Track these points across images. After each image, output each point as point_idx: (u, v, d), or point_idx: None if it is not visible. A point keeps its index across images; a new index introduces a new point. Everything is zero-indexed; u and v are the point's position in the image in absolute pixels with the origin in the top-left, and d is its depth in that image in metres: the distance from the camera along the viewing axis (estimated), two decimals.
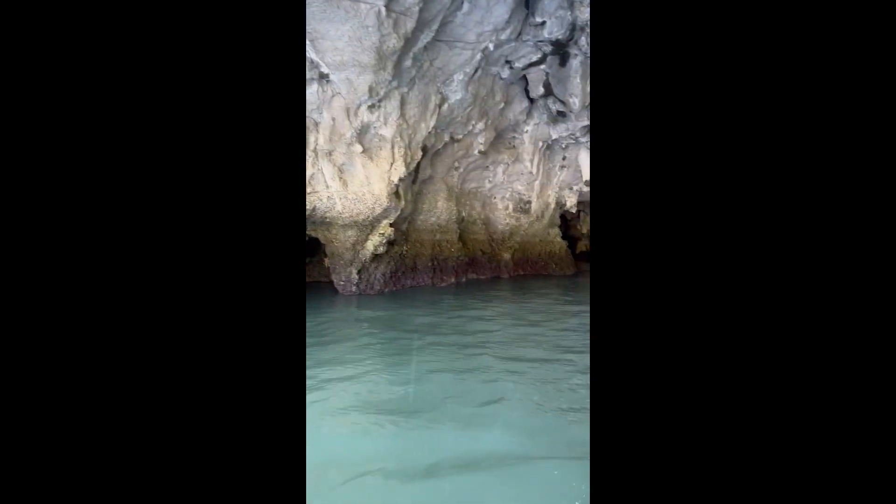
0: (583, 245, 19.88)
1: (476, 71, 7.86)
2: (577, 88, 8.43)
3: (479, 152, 9.51)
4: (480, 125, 8.94)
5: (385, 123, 6.95)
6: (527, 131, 10.41)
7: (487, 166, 10.69)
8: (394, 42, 5.82)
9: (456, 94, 7.89)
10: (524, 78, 9.03)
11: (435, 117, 7.74)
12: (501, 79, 8.69)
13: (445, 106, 7.95)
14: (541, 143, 10.78)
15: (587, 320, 6.03)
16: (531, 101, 9.78)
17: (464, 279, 10.64)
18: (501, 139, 10.46)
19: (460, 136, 8.94)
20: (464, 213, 11.02)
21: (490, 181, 11.14)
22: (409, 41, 6.20)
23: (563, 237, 18.93)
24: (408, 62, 6.54)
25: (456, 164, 9.78)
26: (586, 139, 10.75)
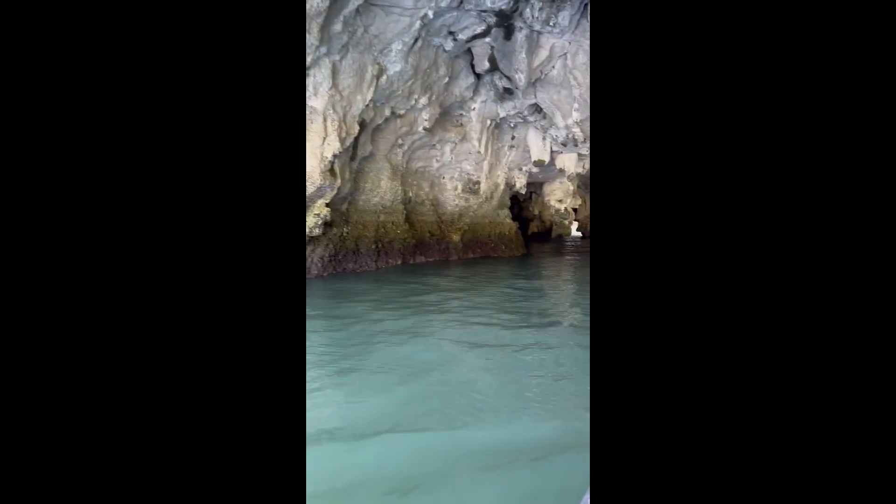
0: (535, 226, 20.09)
1: (416, 41, 7.40)
2: (522, 64, 8.17)
3: (425, 129, 9.10)
4: (424, 100, 8.51)
5: (315, 94, 6.39)
6: (474, 109, 10.09)
7: (434, 144, 10.31)
8: (318, 1, 5.26)
9: (395, 64, 7.40)
10: (469, 52, 8.65)
11: (372, 89, 7.24)
12: (445, 51, 8.27)
13: (384, 77, 7.45)
14: (489, 122, 10.51)
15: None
16: (478, 76, 9.45)
17: (411, 262, 10.33)
18: (448, 116, 10.09)
19: (403, 112, 8.48)
20: (410, 194, 10.63)
21: (438, 160, 10.78)
22: (336, 2, 5.65)
23: (516, 219, 19.09)
24: (337, 26, 5.99)
25: (400, 142, 9.32)
26: (534, 118, 10.60)
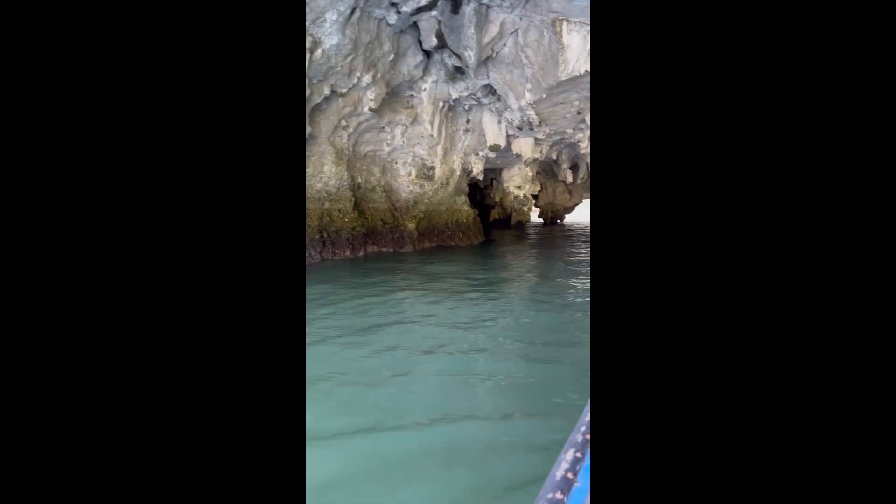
0: (496, 213, 19.85)
1: (353, 11, 6.77)
2: (471, 40, 7.70)
3: (371, 110, 8.51)
4: (368, 78, 7.91)
5: None
6: (425, 89, 9.56)
7: (384, 127, 9.72)
8: None
9: (331, 37, 6.76)
10: (416, 26, 8.09)
11: (306, 64, 6.59)
12: (389, 25, 7.67)
13: (319, 51, 6.81)
14: (441, 104, 10.02)
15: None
16: (427, 54, 8.90)
17: (362, 253, 9.79)
18: (398, 97, 9.52)
19: (345, 90, 7.86)
20: (360, 179, 10.03)
21: (389, 144, 10.21)
22: None
23: (478, 206, 18.79)
24: None
25: (344, 123, 8.69)
26: (489, 100, 10.19)
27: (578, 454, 0.77)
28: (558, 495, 0.69)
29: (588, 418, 0.86)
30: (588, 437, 0.81)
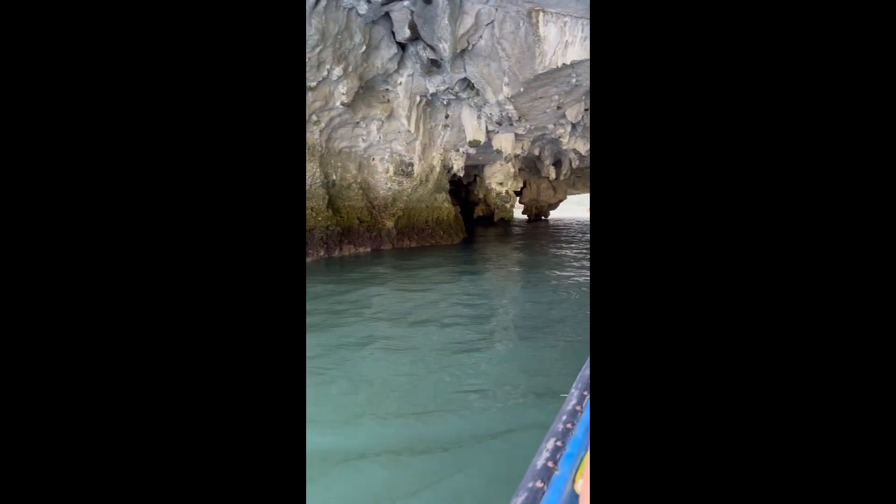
0: (480, 210, 19.62)
1: (319, 0, 6.45)
2: (445, 32, 7.42)
3: (343, 104, 8.18)
4: (338, 70, 7.59)
5: None
6: (400, 83, 9.26)
7: (359, 122, 9.40)
8: None
9: None
10: (389, 17, 7.79)
11: None
12: (359, 15, 7.36)
13: None
14: (418, 98, 9.73)
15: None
16: (402, 47, 8.61)
17: (337, 253, 9.48)
18: (373, 91, 9.20)
19: (314, 83, 7.52)
20: (334, 176, 9.70)
21: (364, 140, 9.89)
22: None
23: (462, 203, 18.53)
24: None
25: (315, 118, 8.35)
26: (467, 95, 9.94)
27: (559, 443, 0.79)
28: (538, 484, 0.70)
29: (570, 407, 0.88)
30: (569, 426, 0.83)
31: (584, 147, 12.42)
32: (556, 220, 22.88)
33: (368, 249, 10.17)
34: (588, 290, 5.62)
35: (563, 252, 10.35)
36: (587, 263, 8.28)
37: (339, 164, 9.80)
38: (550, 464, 0.74)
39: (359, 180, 10.30)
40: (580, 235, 14.90)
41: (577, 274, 7.06)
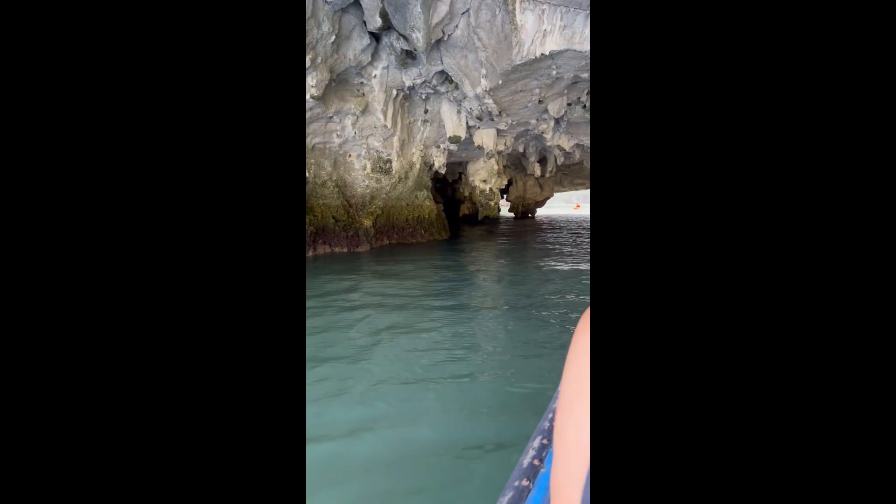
0: (466, 208, 19.28)
1: None
2: (418, 20, 7.06)
3: (313, 97, 7.78)
4: (306, 61, 7.18)
5: None
6: (375, 76, 8.88)
7: (332, 117, 9.00)
8: None
9: None
10: (359, 5, 7.40)
11: None
12: (327, 2, 6.97)
13: None
14: (395, 92, 9.35)
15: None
16: (375, 38, 8.23)
17: (311, 253, 9.08)
18: (346, 84, 8.81)
19: None
20: (308, 174, 9.28)
21: (339, 135, 9.48)
22: None
23: (448, 201, 18.18)
24: None
25: None
26: (446, 89, 9.58)
27: (545, 441, 0.80)
28: (524, 482, 0.71)
29: (556, 405, 0.90)
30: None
31: (568, 143, 12.15)
32: (544, 218, 22.65)
33: (345, 249, 9.78)
34: (588, 292, 5.32)
35: (557, 249, 10.07)
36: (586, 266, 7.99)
37: (313, 160, 9.39)
38: (536, 462, 0.75)
39: (334, 178, 9.90)
40: (579, 234, 14.64)
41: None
